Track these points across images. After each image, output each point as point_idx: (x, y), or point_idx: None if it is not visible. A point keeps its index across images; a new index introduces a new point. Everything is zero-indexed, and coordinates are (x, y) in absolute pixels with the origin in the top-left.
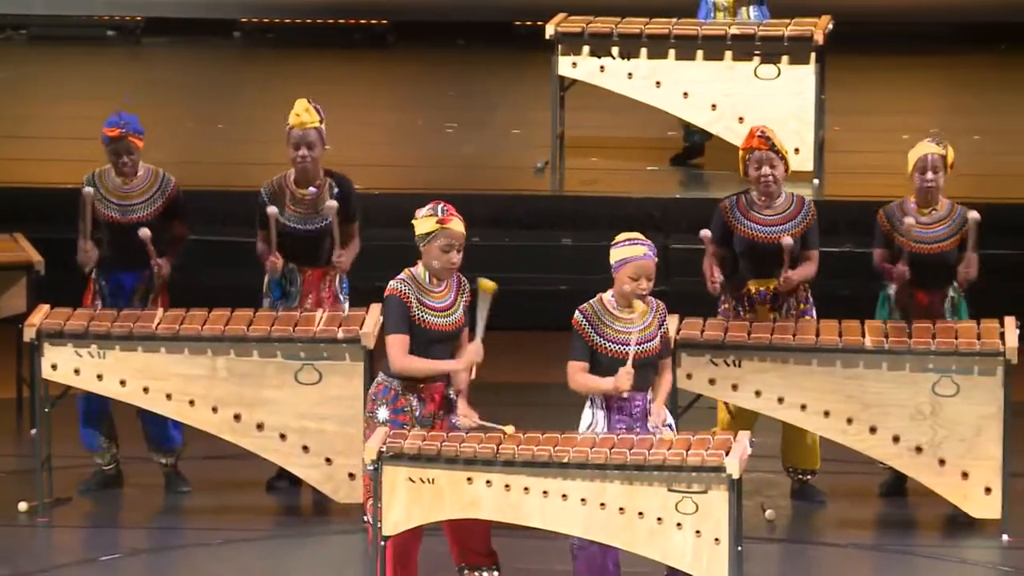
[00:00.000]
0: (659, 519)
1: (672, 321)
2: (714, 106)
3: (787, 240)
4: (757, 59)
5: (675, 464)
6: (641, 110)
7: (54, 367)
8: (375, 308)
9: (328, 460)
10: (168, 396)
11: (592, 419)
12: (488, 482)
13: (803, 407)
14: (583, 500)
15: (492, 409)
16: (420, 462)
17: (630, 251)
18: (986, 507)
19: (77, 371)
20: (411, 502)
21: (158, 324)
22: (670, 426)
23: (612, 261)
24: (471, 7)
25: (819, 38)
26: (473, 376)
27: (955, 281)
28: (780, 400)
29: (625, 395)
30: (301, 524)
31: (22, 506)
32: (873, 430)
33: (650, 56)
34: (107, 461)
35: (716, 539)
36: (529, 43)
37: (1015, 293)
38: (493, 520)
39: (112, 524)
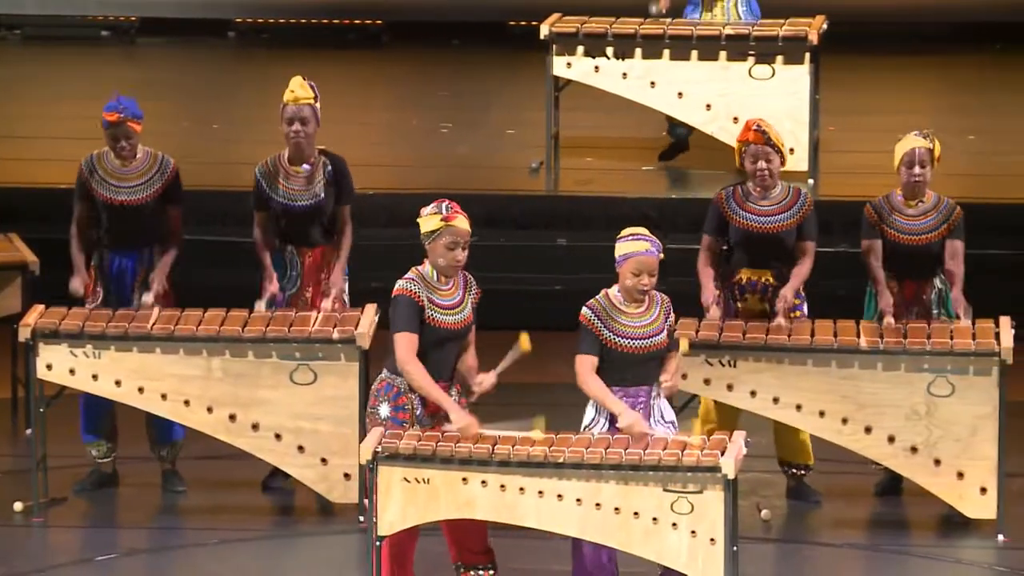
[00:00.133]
0: (654, 519)
1: None
2: (709, 106)
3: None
4: (751, 59)
5: (670, 464)
6: (636, 110)
7: (49, 367)
8: (370, 308)
9: (323, 460)
10: (163, 396)
11: (594, 418)
12: (483, 482)
13: (798, 407)
14: (578, 500)
15: (491, 408)
16: (415, 462)
17: (633, 246)
18: (981, 507)
19: (72, 371)
20: (406, 502)
21: (153, 324)
22: (672, 423)
23: (616, 256)
24: (465, 7)
25: (813, 38)
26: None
27: (942, 272)
28: (775, 400)
29: (626, 395)
30: (297, 524)
31: (17, 506)
32: (868, 430)
33: (644, 56)
34: (103, 454)
35: (712, 539)
36: (523, 43)
37: (1011, 293)
38: (489, 520)
39: (108, 524)
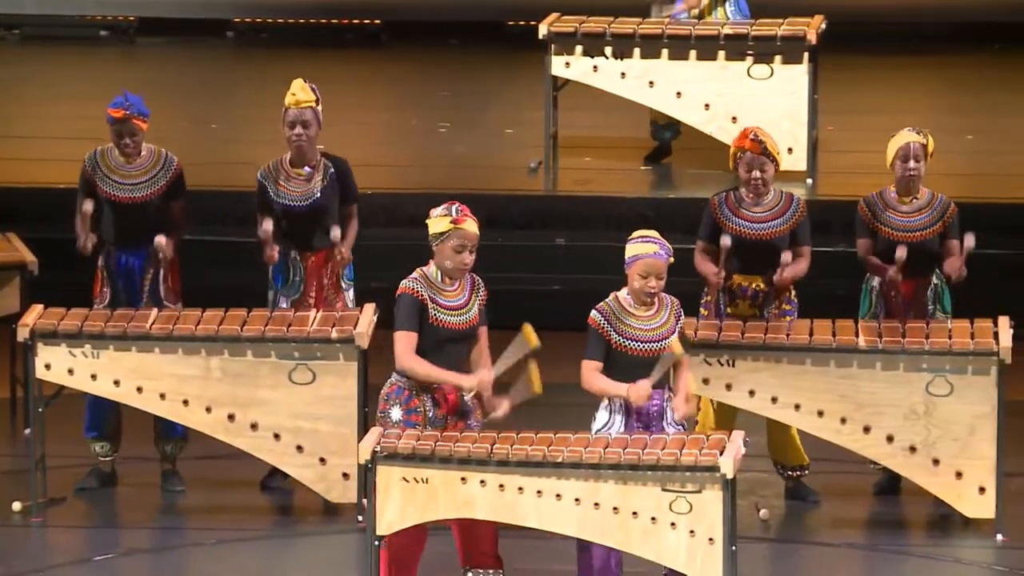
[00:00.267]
0: (653, 519)
1: None
2: (707, 106)
3: (786, 256)
4: (750, 59)
5: (669, 464)
6: (634, 110)
7: (48, 367)
8: (369, 308)
9: (322, 460)
10: (162, 396)
11: (608, 421)
12: (482, 482)
13: (797, 407)
14: (577, 500)
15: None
16: (414, 462)
17: (641, 248)
18: (980, 507)
19: (71, 371)
20: (405, 502)
21: (152, 324)
22: (682, 426)
23: (625, 257)
24: (464, 7)
25: (812, 38)
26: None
27: (938, 269)
28: (774, 400)
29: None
30: (296, 524)
31: (16, 506)
32: (867, 430)
33: (643, 56)
34: (105, 452)
35: (710, 539)
36: (522, 43)
37: (1009, 292)
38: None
39: (107, 524)
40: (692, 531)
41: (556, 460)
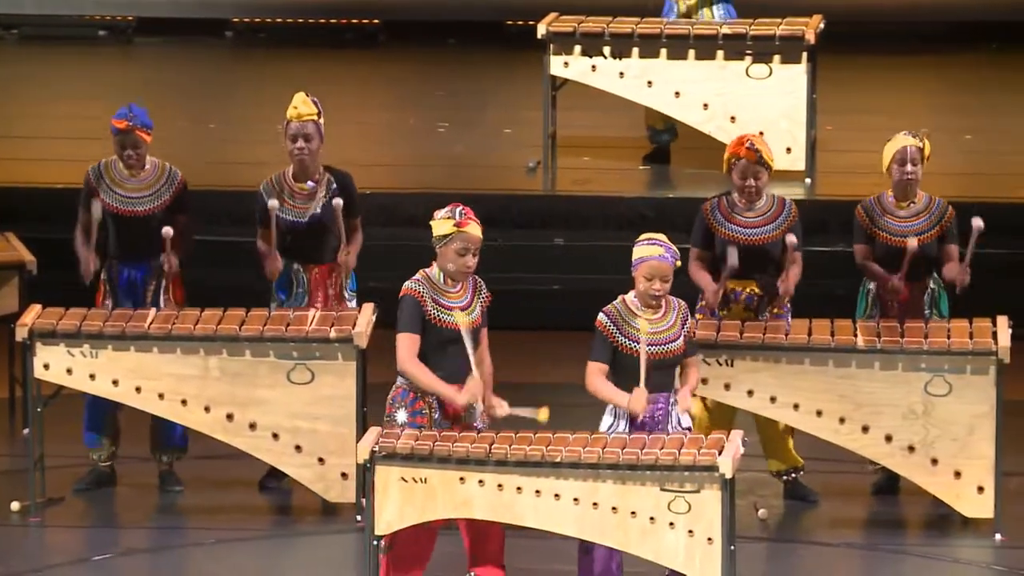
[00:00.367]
0: (652, 518)
1: None
2: (706, 105)
3: (791, 238)
4: (749, 58)
5: (668, 463)
6: (633, 110)
7: (46, 367)
8: (368, 308)
9: (321, 460)
10: (160, 396)
11: (612, 425)
12: (481, 482)
13: (796, 406)
14: (576, 500)
15: None
16: (412, 462)
17: (647, 251)
18: (979, 506)
19: (69, 371)
20: (404, 501)
21: (150, 324)
22: (688, 430)
23: (632, 259)
24: (462, 6)
25: (811, 37)
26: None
27: (935, 273)
28: (772, 399)
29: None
30: (295, 524)
31: (14, 506)
32: (865, 429)
33: (642, 55)
34: (103, 458)
35: (709, 538)
36: (521, 42)
37: (1007, 292)
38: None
39: (105, 524)
40: (691, 531)
41: (555, 460)
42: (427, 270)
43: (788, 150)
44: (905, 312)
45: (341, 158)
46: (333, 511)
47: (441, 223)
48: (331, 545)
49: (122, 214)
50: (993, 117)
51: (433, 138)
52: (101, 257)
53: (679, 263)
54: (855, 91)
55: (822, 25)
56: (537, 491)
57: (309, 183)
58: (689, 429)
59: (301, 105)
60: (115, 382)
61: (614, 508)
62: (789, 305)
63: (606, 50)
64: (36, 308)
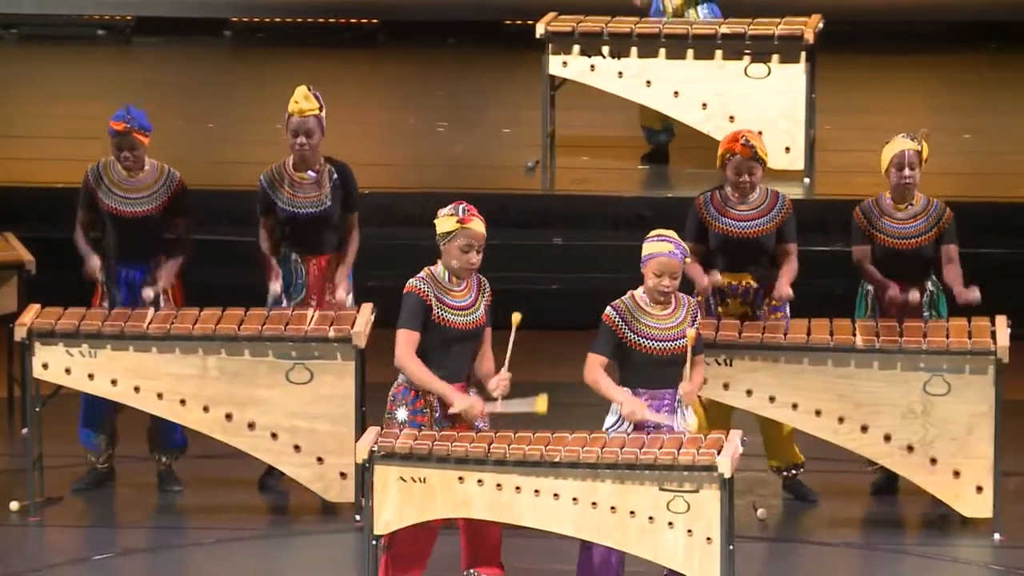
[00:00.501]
0: (651, 518)
1: None
2: (704, 105)
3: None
4: (747, 58)
5: (666, 463)
6: (631, 109)
7: (45, 366)
8: (367, 307)
9: (319, 459)
10: (159, 395)
11: (616, 422)
12: (479, 481)
13: (794, 406)
14: (574, 499)
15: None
16: (411, 461)
17: (656, 247)
18: (977, 506)
19: (68, 370)
20: (403, 501)
21: (149, 323)
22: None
23: (642, 255)
24: (461, 6)
25: (809, 37)
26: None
27: (934, 275)
28: (771, 399)
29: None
30: (294, 523)
31: (13, 505)
32: (864, 429)
33: (640, 55)
34: (101, 460)
35: (708, 538)
36: (519, 42)
37: (1006, 292)
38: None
39: (104, 523)
40: (690, 530)
41: (553, 459)
42: (432, 268)
43: (787, 150)
44: (903, 315)
45: (340, 158)
46: (332, 511)
47: (444, 220)
48: (330, 545)
49: (121, 215)
50: (992, 117)
51: (432, 138)
52: (99, 258)
53: (688, 259)
54: (854, 91)
55: (821, 25)
56: (536, 491)
57: (310, 173)
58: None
59: (303, 100)
60: (114, 382)
61: (613, 508)
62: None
63: (605, 50)
64: (35, 308)
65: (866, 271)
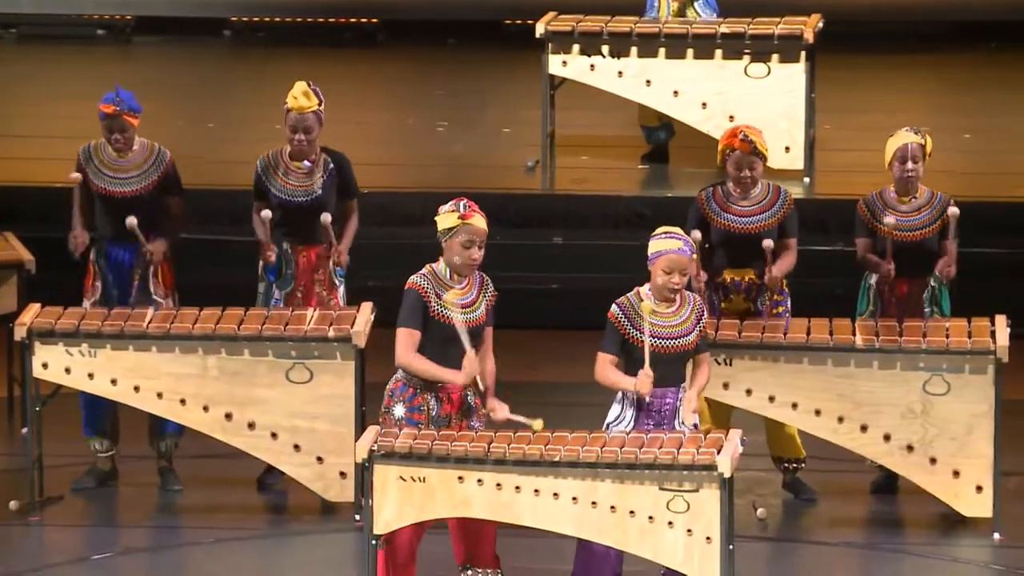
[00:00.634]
0: (650, 517)
1: None
2: (704, 104)
3: (767, 242)
4: (747, 58)
5: (666, 462)
6: (631, 109)
7: (45, 366)
8: (366, 307)
9: (319, 459)
10: (159, 395)
11: (620, 415)
12: (479, 481)
13: (794, 406)
14: (574, 499)
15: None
16: (411, 461)
17: (665, 244)
18: (977, 505)
19: (68, 370)
20: (402, 501)
21: (149, 323)
22: (695, 426)
23: (649, 253)
24: (461, 6)
25: (809, 36)
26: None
27: (936, 270)
28: (771, 399)
29: (653, 395)
30: (293, 523)
31: (13, 505)
32: (864, 428)
33: (640, 54)
34: (104, 448)
35: (708, 538)
36: (519, 42)
37: (1006, 291)
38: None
39: (104, 523)
40: (689, 530)
41: (553, 459)
42: (433, 265)
43: (787, 149)
44: (905, 309)
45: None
46: (332, 510)
47: (446, 216)
48: (330, 544)
49: (111, 195)
50: (992, 116)
51: (432, 137)
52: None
53: (696, 256)
54: (854, 90)
55: (821, 24)
56: (536, 490)
57: (305, 163)
58: (696, 426)
59: (302, 97)
60: (114, 381)
61: (612, 507)
62: (788, 290)
63: (604, 49)
64: (35, 307)
65: (867, 261)
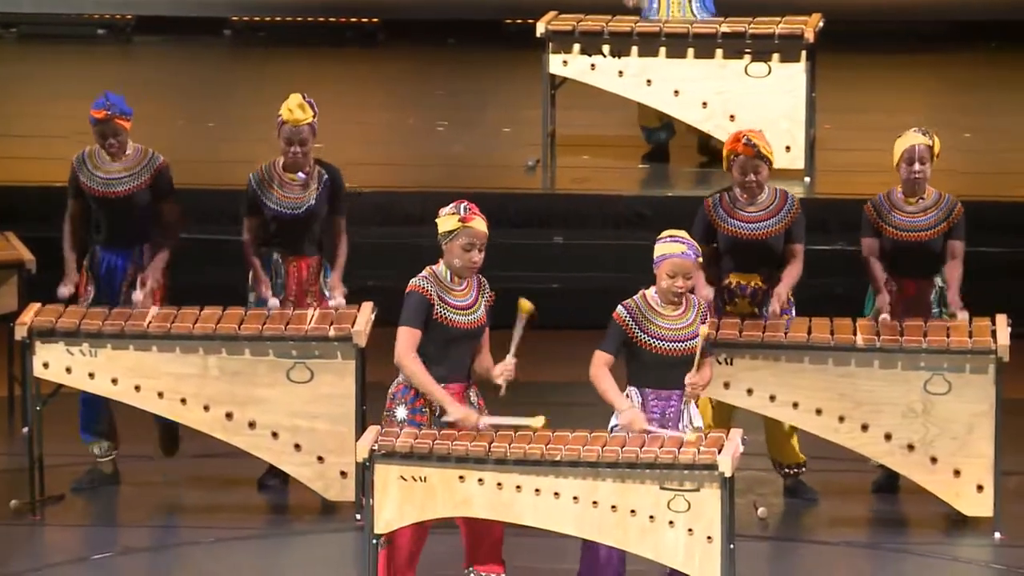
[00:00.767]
0: (651, 517)
1: None
2: (705, 104)
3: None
4: (748, 57)
5: (667, 462)
6: (632, 108)
7: (46, 365)
8: (367, 306)
9: (320, 458)
10: (160, 394)
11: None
12: (480, 480)
13: (795, 405)
14: (575, 498)
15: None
16: (412, 460)
17: (669, 248)
18: (978, 505)
19: (69, 369)
20: (403, 500)
21: (149, 322)
22: (699, 429)
23: (654, 256)
24: (461, 6)
25: (810, 36)
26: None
27: (942, 271)
28: (772, 398)
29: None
30: (294, 522)
31: (14, 504)
32: (865, 428)
33: (641, 54)
34: (103, 451)
35: (708, 537)
36: (520, 41)
37: (1006, 291)
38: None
39: (104, 523)
40: (690, 529)
41: (554, 458)
42: (434, 267)
43: (787, 149)
44: (911, 309)
45: (340, 157)
46: (332, 510)
47: (446, 219)
48: (330, 544)
49: (103, 196)
50: (992, 116)
51: (432, 137)
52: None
53: (701, 259)
54: (854, 90)
55: (821, 24)
56: (536, 490)
57: (300, 174)
58: (700, 429)
59: (297, 109)
60: (114, 381)
61: (613, 507)
62: (792, 299)
63: (605, 49)
64: (35, 307)
65: (870, 266)
